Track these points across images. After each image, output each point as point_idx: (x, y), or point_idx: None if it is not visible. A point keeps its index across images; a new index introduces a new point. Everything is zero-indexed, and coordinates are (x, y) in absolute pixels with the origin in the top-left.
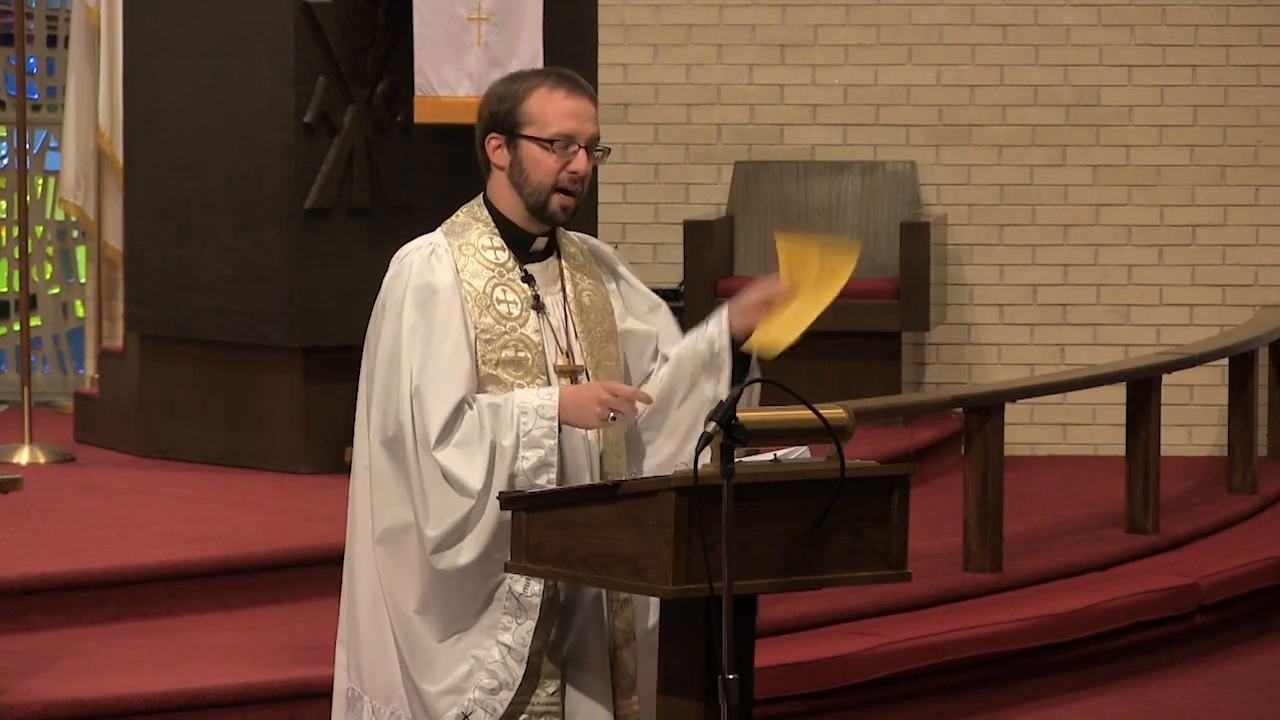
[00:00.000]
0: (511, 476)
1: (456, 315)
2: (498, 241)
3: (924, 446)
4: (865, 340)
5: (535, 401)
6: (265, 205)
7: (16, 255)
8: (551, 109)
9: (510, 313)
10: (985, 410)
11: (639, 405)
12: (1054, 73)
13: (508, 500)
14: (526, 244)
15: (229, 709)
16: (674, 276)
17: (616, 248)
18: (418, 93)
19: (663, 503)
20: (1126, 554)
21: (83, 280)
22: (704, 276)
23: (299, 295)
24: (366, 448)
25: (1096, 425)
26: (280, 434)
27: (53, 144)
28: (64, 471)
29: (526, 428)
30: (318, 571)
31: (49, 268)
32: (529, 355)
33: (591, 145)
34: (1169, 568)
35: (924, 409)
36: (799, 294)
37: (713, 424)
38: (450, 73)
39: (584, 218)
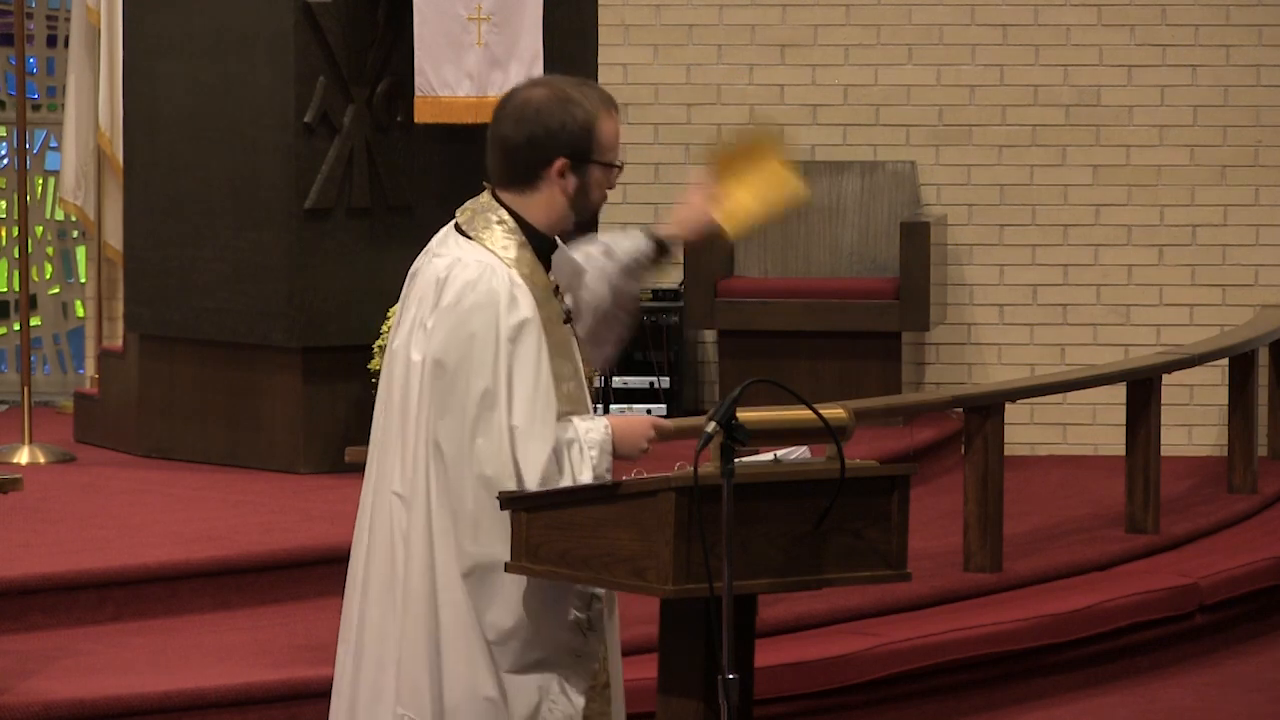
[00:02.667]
0: None
1: (545, 351)
2: (534, 257)
3: (924, 446)
4: (865, 340)
5: (597, 437)
6: (265, 205)
7: (16, 255)
8: (613, 132)
9: (561, 331)
10: (985, 410)
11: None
12: (1054, 73)
13: (507, 500)
14: (549, 253)
15: (229, 709)
16: (674, 276)
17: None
18: (418, 93)
19: (663, 503)
20: (1126, 554)
21: (83, 280)
22: (704, 276)
23: (299, 295)
24: (431, 476)
25: (1096, 425)
26: (280, 434)
27: (53, 144)
28: (64, 471)
29: (595, 461)
30: (318, 571)
31: (49, 268)
32: (575, 368)
33: None
34: (1169, 568)
35: (924, 409)
36: (736, 178)
37: (713, 424)
38: (450, 73)
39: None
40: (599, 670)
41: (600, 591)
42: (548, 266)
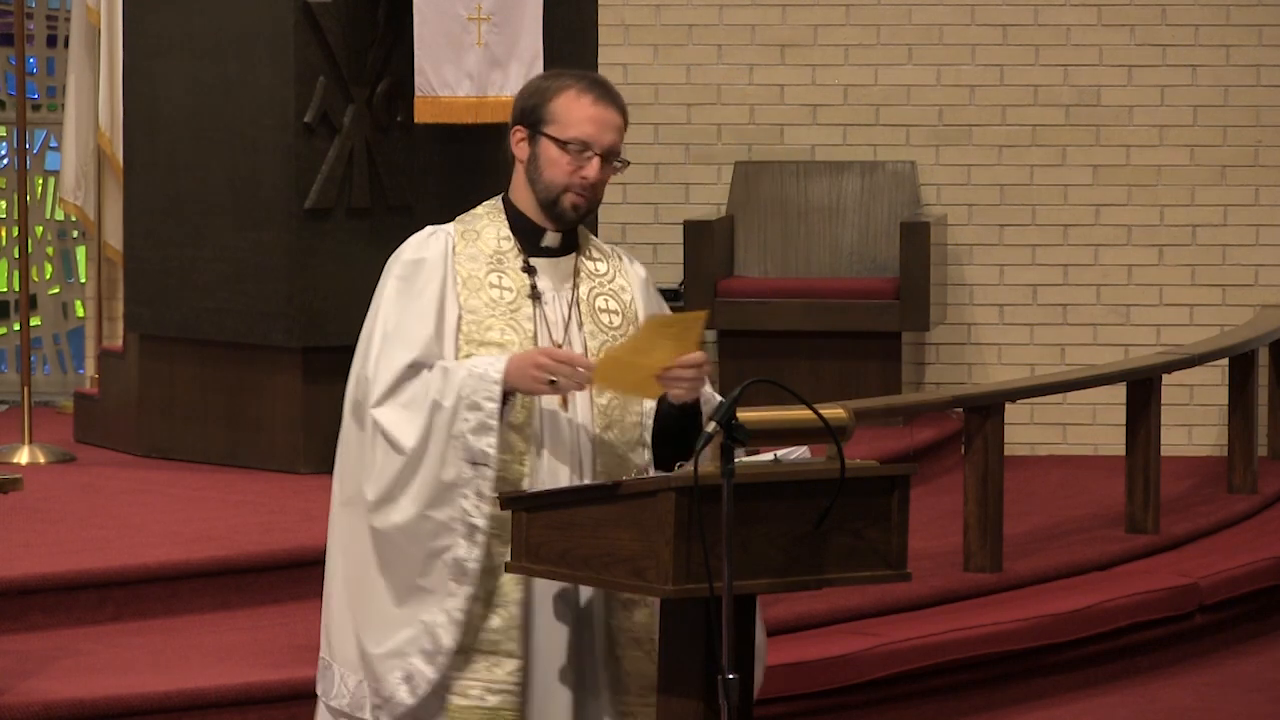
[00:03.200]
0: (452, 438)
1: (434, 286)
2: (505, 232)
3: (924, 446)
4: (865, 340)
5: (483, 366)
6: (265, 205)
7: (16, 255)
8: (576, 112)
9: (503, 298)
10: (985, 410)
11: (577, 369)
12: (1054, 73)
13: (508, 500)
14: (537, 238)
15: (229, 709)
16: (674, 276)
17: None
18: (418, 93)
19: (663, 503)
20: (1126, 554)
21: (83, 280)
22: (704, 276)
23: (299, 295)
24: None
25: (1096, 425)
26: (280, 434)
27: (53, 144)
28: (64, 471)
29: (469, 389)
30: (318, 571)
31: (49, 268)
32: (516, 339)
33: (609, 155)
34: (1169, 568)
35: (924, 409)
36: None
37: (713, 424)
38: (450, 73)
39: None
40: (506, 641)
41: (470, 580)
42: (530, 248)
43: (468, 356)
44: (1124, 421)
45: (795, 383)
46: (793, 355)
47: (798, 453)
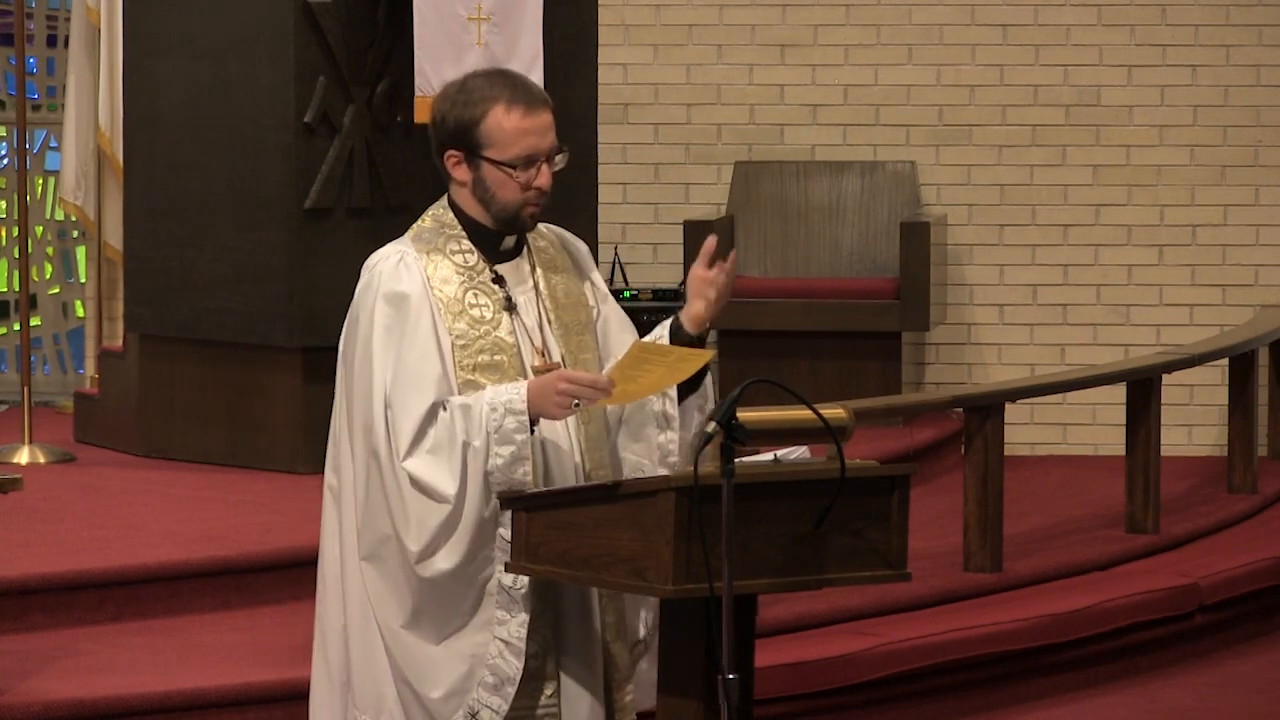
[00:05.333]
0: (487, 474)
1: (426, 321)
2: (466, 245)
3: (924, 446)
4: (865, 340)
5: (504, 397)
6: (265, 205)
7: (16, 255)
8: (510, 129)
9: (484, 316)
10: (985, 410)
11: (599, 390)
12: (1054, 73)
13: (507, 500)
14: (495, 245)
15: (229, 709)
16: (674, 276)
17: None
18: (418, 93)
19: (663, 503)
20: (1126, 554)
21: (83, 280)
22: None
23: (299, 295)
24: (349, 464)
25: (1096, 425)
26: (280, 434)
27: (53, 144)
28: (64, 471)
29: (496, 424)
30: (317, 572)
31: (49, 268)
32: (505, 358)
33: (552, 155)
34: (1169, 568)
35: (924, 409)
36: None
37: (713, 424)
38: (450, 73)
39: (585, 218)
40: (548, 663)
41: (521, 609)
42: (491, 255)
43: (465, 383)
44: (1124, 421)
45: (795, 383)
46: (793, 355)
47: (798, 453)
